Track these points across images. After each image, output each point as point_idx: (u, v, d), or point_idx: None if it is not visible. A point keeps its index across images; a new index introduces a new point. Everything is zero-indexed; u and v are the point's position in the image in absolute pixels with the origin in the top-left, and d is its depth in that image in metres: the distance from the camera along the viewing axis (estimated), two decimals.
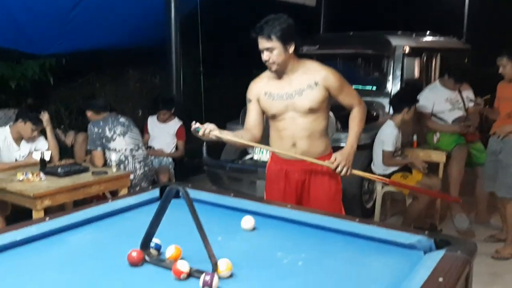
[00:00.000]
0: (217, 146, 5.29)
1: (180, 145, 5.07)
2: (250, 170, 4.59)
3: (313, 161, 2.42)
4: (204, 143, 5.16)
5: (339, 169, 2.38)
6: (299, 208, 2.07)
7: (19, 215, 3.19)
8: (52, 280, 1.44)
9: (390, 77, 5.23)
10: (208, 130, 2.31)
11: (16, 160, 3.71)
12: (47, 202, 2.98)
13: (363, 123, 2.53)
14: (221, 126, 5.29)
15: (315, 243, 1.74)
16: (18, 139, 3.73)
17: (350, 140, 2.47)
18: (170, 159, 4.97)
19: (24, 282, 1.43)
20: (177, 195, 2.23)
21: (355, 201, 4.37)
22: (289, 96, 2.40)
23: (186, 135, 5.07)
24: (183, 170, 5.28)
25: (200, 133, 2.31)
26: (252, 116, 2.54)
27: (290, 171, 2.50)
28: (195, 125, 2.34)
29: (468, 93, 4.36)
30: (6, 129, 3.70)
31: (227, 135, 2.41)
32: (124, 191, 3.51)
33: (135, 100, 6.85)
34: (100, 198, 3.51)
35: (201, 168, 5.19)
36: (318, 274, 1.48)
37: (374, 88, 5.36)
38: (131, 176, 3.71)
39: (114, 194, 3.58)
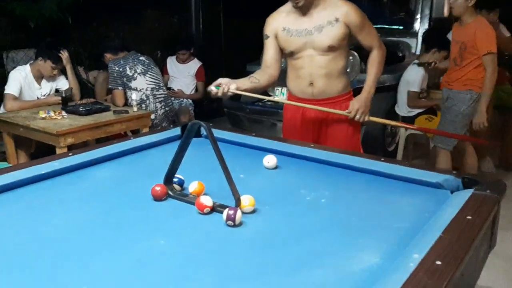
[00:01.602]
0: None
1: (200, 86, 5.02)
2: (270, 112, 4.54)
3: (329, 111, 2.36)
4: None
5: (357, 116, 2.32)
6: (322, 147, 2.04)
7: (42, 152, 3.25)
8: (78, 212, 1.46)
9: (418, 16, 5.02)
10: (227, 88, 2.22)
11: (37, 98, 3.72)
12: (70, 140, 3.01)
13: (382, 67, 2.42)
14: (241, 67, 5.22)
15: (338, 181, 1.71)
16: (39, 77, 3.73)
17: (368, 85, 2.38)
18: (190, 101, 4.94)
19: (51, 213, 1.45)
20: (198, 135, 2.22)
21: (378, 143, 4.32)
22: (308, 32, 2.30)
23: (206, 76, 5.01)
24: (203, 112, 5.27)
25: (220, 92, 2.22)
26: (270, 53, 2.45)
27: (307, 111, 2.45)
28: (212, 86, 2.25)
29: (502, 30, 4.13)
30: (27, 68, 3.69)
31: (244, 86, 2.31)
32: (145, 130, 3.51)
33: (154, 40, 6.74)
34: (121, 137, 3.53)
35: (221, 110, 5.17)
36: (342, 211, 1.47)
37: (401, 27, 5.17)
38: (152, 116, 3.71)
39: (135, 133, 3.60)
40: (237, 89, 2.24)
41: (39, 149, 3.61)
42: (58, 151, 2.96)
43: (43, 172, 1.69)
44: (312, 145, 2.03)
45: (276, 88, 4.49)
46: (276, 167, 1.85)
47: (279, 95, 4.71)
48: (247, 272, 1.13)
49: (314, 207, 1.49)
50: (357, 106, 2.32)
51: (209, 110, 5.57)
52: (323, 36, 2.28)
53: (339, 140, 2.41)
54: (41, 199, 1.54)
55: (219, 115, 5.37)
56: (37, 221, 1.39)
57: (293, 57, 2.39)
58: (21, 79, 3.62)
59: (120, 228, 1.35)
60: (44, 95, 3.74)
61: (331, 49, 2.30)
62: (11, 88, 3.53)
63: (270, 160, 1.85)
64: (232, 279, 1.10)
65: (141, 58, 3.85)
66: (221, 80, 2.24)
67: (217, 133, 2.10)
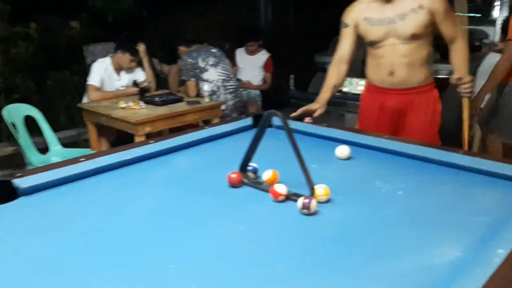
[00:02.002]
0: (305, 78, 5.22)
1: (268, 77, 5.06)
2: (339, 102, 4.49)
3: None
4: (292, 75, 5.11)
5: (466, 85, 2.21)
6: (396, 139, 1.99)
7: (122, 140, 3.43)
8: (161, 195, 1.54)
9: (498, 3, 4.73)
10: (318, 113, 2.35)
11: (117, 89, 3.93)
12: (147, 129, 3.16)
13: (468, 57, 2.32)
14: (309, 58, 5.16)
15: (415, 173, 1.67)
16: (118, 69, 3.93)
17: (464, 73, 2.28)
18: (258, 92, 4.99)
19: (136, 195, 1.54)
20: (268, 125, 2.25)
21: (453, 136, 4.14)
22: (391, 21, 2.25)
23: (274, 67, 5.04)
24: (270, 103, 5.31)
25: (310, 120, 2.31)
26: (346, 43, 2.43)
27: (386, 100, 2.40)
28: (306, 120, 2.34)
29: None
30: (107, 60, 3.90)
31: (326, 98, 2.45)
32: (215, 120, 3.61)
33: (223, 32, 6.87)
34: (192, 127, 3.65)
35: (288, 101, 5.18)
36: (420, 203, 1.43)
37: (478, 15, 4.90)
38: (223, 107, 3.80)
39: (207, 124, 3.70)
40: (323, 106, 2.40)
41: (119, 137, 3.82)
42: (136, 139, 3.12)
43: (127, 158, 1.80)
44: (386, 136, 1.99)
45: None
46: (349, 158, 1.84)
47: (348, 86, 4.65)
48: (323, 259, 1.14)
49: (390, 199, 1.47)
50: (469, 77, 2.23)
51: (276, 101, 5.60)
52: (406, 24, 2.23)
53: (417, 132, 2.34)
54: (126, 183, 1.64)
55: (286, 106, 5.40)
56: (123, 203, 1.48)
57: (374, 46, 2.35)
58: (102, 71, 3.84)
59: (200, 212, 1.41)
60: (122, 86, 3.95)
61: (414, 37, 2.24)
62: (93, 79, 3.75)
63: (343, 150, 1.84)
64: (310, 266, 1.11)
65: (212, 50, 3.94)
66: (312, 106, 2.39)
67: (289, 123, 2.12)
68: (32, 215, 1.40)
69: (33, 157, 3.31)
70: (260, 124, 1.57)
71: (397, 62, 2.30)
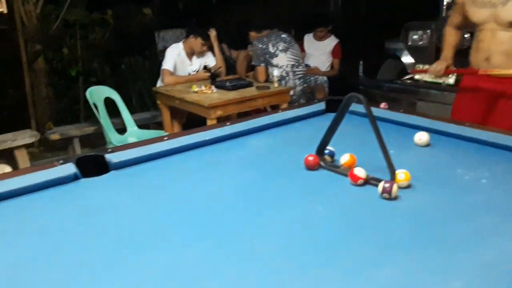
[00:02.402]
0: (374, 65, 5.10)
1: (336, 63, 5.00)
2: (410, 90, 4.37)
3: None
4: (361, 62, 5.01)
5: None
6: (480, 127, 1.92)
7: (192, 123, 3.55)
8: (238, 175, 1.59)
9: None
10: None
11: (189, 74, 4.06)
12: (219, 112, 3.25)
13: None
14: (379, 44, 5.02)
15: (500, 162, 1.61)
16: (190, 54, 4.05)
17: None
18: (325, 78, 4.95)
19: (215, 174, 1.60)
20: (333, 110, 2.23)
21: None
22: (492, 5, 2.21)
23: (342, 53, 4.97)
24: (338, 89, 5.24)
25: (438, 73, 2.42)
26: (457, 17, 2.53)
27: (481, 85, 2.39)
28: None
29: None
30: (180, 45, 4.03)
31: (449, 53, 2.54)
32: (284, 106, 3.64)
33: (290, 18, 6.84)
34: (259, 112, 3.70)
35: (356, 88, 5.10)
36: (506, 192, 1.38)
37: None
38: (291, 92, 3.81)
39: (274, 109, 3.74)
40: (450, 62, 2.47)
41: (190, 120, 3.95)
42: (208, 122, 3.22)
43: (206, 138, 1.88)
44: (467, 124, 1.92)
45: (417, 65, 4.30)
46: (427, 145, 1.80)
47: (421, 74, 4.50)
48: (404, 244, 1.14)
49: (474, 187, 1.43)
50: None
51: (344, 88, 5.52)
52: (507, 10, 2.18)
53: (508, 120, 2.29)
54: (206, 162, 1.71)
55: (355, 91, 5.30)
56: (205, 181, 1.55)
57: (477, 28, 2.39)
58: (176, 55, 3.97)
59: (278, 192, 1.45)
60: (194, 71, 4.07)
61: None
62: (167, 64, 3.89)
63: (422, 137, 1.81)
64: (390, 248, 1.11)
65: (282, 35, 3.96)
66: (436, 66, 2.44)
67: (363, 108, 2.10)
68: (123, 187, 1.51)
69: (113, 136, 3.51)
70: (341, 107, 1.57)
71: (494, 48, 2.28)
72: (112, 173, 1.60)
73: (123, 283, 1.00)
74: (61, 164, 1.56)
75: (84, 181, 1.54)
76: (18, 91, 5.08)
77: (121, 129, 3.82)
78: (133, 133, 3.67)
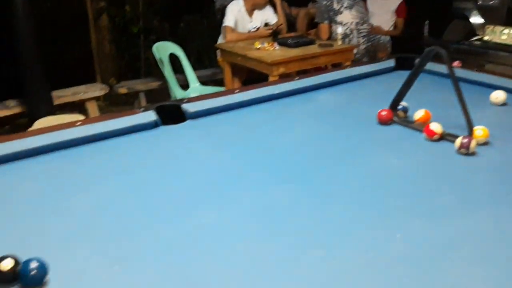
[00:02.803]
0: (440, 26, 4.87)
1: (400, 23, 4.81)
2: (478, 52, 4.17)
3: None
4: (426, 22, 4.80)
5: None
6: None
7: (252, 81, 3.58)
8: (310, 127, 1.62)
9: None
10: None
11: (249, 31, 4.06)
12: (281, 69, 3.26)
13: None
14: (446, 3, 4.76)
15: None
16: (250, 11, 4.03)
17: None
18: (388, 38, 4.79)
19: (286, 126, 1.64)
20: (410, 67, 2.18)
21: None
22: None
23: (406, 13, 4.77)
24: (401, 50, 5.07)
25: None
26: None
27: None
28: None
29: None
30: (240, 2, 4.01)
31: None
32: (347, 64, 3.58)
33: None
34: (319, 70, 3.67)
35: (419, 48, 4.91)
36: None
37: None
38: (354, 51, 3.74)
39: (336, 67, 3.69)
40: None
41: (250, 77, 3.98)
42: (270, 79, 3.24)
43: (275, 92, 1.90)
44: None
45: (487, 26, 4.08)
46: (504, 104, 1.74)
47: (490, 34, 4.27)
48: (484, 198, 1.14)
49: None
50: None
51: (408, 48, 5.33)
52: None
53: None
54: (277, 115, 1.75)
55: (418, 52, 5.12)
56: (276, 132, 1.60)
57: None
58: (236, 12, 3.96)
59: (352, 144, 1.47)
60: (254, 28, 4.06)
61: None
62: (228, 20, 3.90)
63: (498, 95, 1.75)
64: (472, 203, 1.12)
65: None
66: None
67: (434, 66, 2.04)
68: (199, 135, 1.58)
69: (177, 92, 3.62)
70: (420, 61, 1.54)
71: None
72: (188, 122, 1.67)
73: (209, 220, 1.07)
74: (142, 111, 1.65)
75: (163, 128, 1.62)
76: (84, 47, 5.27)
77: (183, 86, 3.92)
78: (196, 89, 3.76)
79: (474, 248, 0.95)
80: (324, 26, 3.83)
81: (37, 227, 1.06)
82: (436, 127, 1.45)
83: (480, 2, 4.51)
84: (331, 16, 3.80)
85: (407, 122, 1.59)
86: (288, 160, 1.37)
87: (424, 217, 1.05)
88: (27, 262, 0.86)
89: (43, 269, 0.87)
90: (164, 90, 4.06)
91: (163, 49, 3.71)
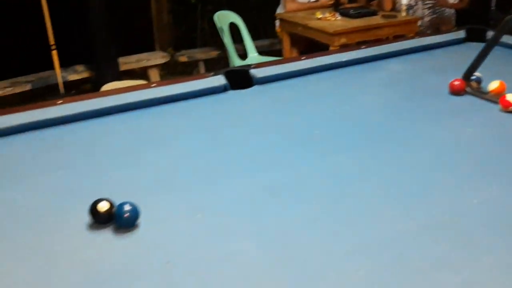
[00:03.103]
0: None
1: None
2: None
3: None
4: None
5: None
6: None
7: (311, 51, 3.55)
8: (379, 95, 1.61)
9: None
10: None
11: (309, 1, 3.99)
12: (343, 40, 3.21)
13: None
14: None
15: None
16: None
17: None
18: (453, 10, 4.58)
19: (354, 94, 1.64)
20: (481, 39, 2.10)
21: None
22: None
23: None
24: (465, 24, 4.85)
25: None
26: None
27: None
28: None
29: None
30: None
31: None
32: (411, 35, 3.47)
33: None
34: (379, 41, 3.57)
35: (486, 22, 4.67)
36: None
37: None
38: (419, 23, 3.62)
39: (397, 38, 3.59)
40: None
41: (307, 48, 3.95)
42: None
43: (343, 60, 1.90)
44: None
45: None
46: None
47: None
48: None
49: None
50: None
51: (472, 22, 5.08)
52: None
53: None
54: (344, 82, 1.75)
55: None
56: (344, 99, 1.60)
57: None
58: None
59: (424, 111, 1.46)
60: None
61: None
62: None
63: None
64: None
65: None
66: None
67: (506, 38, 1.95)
68: (267, 100, 1.61)
69: (236, 61, 3.66)
70: (498, 30, 1.49)
71: None
72: (256, 87, 1.70)
73: (282, 177, 1.11)
74: (212, 75, 1.70)
75: (232, 92, 1.66)
76: (144, 16, 5.38)
77: (241, 56, 3.95)
78: (254, 59, 3.78)
79: None
80: None
81: (122, 177, 1.13)
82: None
83: None
84: None
85: (480, 93, 1.55)
86: (357, 126, 1.38)
87: (501, 183, 1.04)
88: (121, 205, 0.94)
89: (135, 212, 0.94)
90: (223, 59, 4.10)
91: (224, 18, 3.74)
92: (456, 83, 1.56)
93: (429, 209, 0.97)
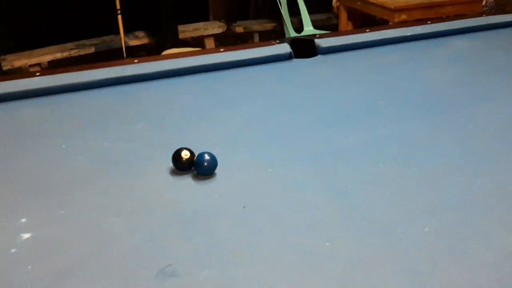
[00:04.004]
0: None
1: None
2: None
3: None
4: None
5: None
6: None
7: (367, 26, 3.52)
8: (446, 71, 1.62)
9: None
10: None
11: None
12: (403, 16, 3.17)
13: None
14: None
15: None
16: None
17: None
18: None
19: (420, 68, 1.65)
20: None
21: None
22: None
23: None
24: None
25: None
26: None
27: None
28: None
29: None
30: None
31: None
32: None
33: None
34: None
35: None
36: None
37: None
38: (483, 2, 3.51)
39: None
40: None
41: (364, 23, 3.92)
42: None
43: (408, 34, 1.90)
44: None
45: None
46: None
47: None
48: None
49: None
50: None
51: None
52: None
53: None
54: (411, 56, 1.76)
55: None
56: (411, 71, 1.61)
57: None
58: None
59: (490, 88, 1.46)
60: None
61: None
62: None
63: None
64: None
65: None
66: None
67: None
68: (332, 69, 1.65)
69: (292, 34, 3.68)
70: None
71: None
72: (319, 56, 1.74)
73: (348, 141, 1.16)
74: (278, 43, 1.75)
75: (297, 60, 1.71)
76: None
77: (296, 29, 3.96)
78: (310, 32, 3.79)
79: None
80: None
81: (198, 132, 1.22)
82: None
83: None
84: None
85: None
86: (425, 98, 1.40)
87: None
88: (202, 154, 1.02)
89: (214, 161, 1.02)
90: (278, 32, 4.12)
91: None
92: None
93: (494, 176, 1.00)
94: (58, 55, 3.52)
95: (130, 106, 1.37)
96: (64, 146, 1.16)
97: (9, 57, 3.45)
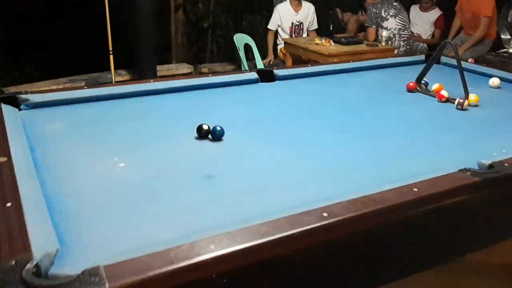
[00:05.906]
0: None
1: (437, 33, 5.43)
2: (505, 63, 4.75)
3: None
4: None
5: None
6: None
7: None
8: (360, 93, 2.36)
9: None
10: None
11: (292, 24, 4.73)
12: (335, 60, 3.98)
13: None
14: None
15: None
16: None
17: None
18: (425, 45, 5.43)
19: (344, 89, 2.38)
20: (437, 62, 2.88)
21: None
22: None
23: (444, 25, 5.38)
24: None
25: None
26: None
27: None
28: None
29: None
30: None
31: None
32: None
33: None
34: None
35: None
36: None
37: None
38: (395, 51, 4.43)
39: None
40: None
41: None
42: None
43: (336, 68, 2.65)
44: None
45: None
46: (498, 87, 2.42)
47: None
48: (467, 132, 1.85)
49: None
50: None
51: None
52: None
53: None
54: (340, 82, 2.49)
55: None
56: (340, 92, 2.34)
57: None
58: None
59: (388, 100, 2.20)
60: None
61: None
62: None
63: (494, 80, 2.43)
64: (455, 132, 1.84)
65: (394, 3, 4.54)
66: None
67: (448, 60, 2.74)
68: (286, 90, 2.34)
69: None
70: (437, 50, 2.26)
71: None
72: (277, 82, 2.43)
73: (306, 126, 1.83)
74: (247, 72, 2.43)
75: (260, 84, 2.39)
76: (163, 36, 6.12)
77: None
78: None
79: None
80: (371, 30, 4.53)
81: (204, 120, 1.84)
82: (444, 93, 2.15)
83: (509, 20, 5.13)
84: (378, 22, 4.50)
85: (426, 91, 2.30)
86: (347, 104, 2.12)
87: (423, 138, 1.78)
88: (215, 126, 1.65)
89: (222, 131, 1.65)
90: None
91: (240, 39, 4.51)
92: (411, 84, 2.32)
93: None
94: (54, 87, 4.03)
95: (153, 111, 1.98)
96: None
97: (10, 88, 3.92)
